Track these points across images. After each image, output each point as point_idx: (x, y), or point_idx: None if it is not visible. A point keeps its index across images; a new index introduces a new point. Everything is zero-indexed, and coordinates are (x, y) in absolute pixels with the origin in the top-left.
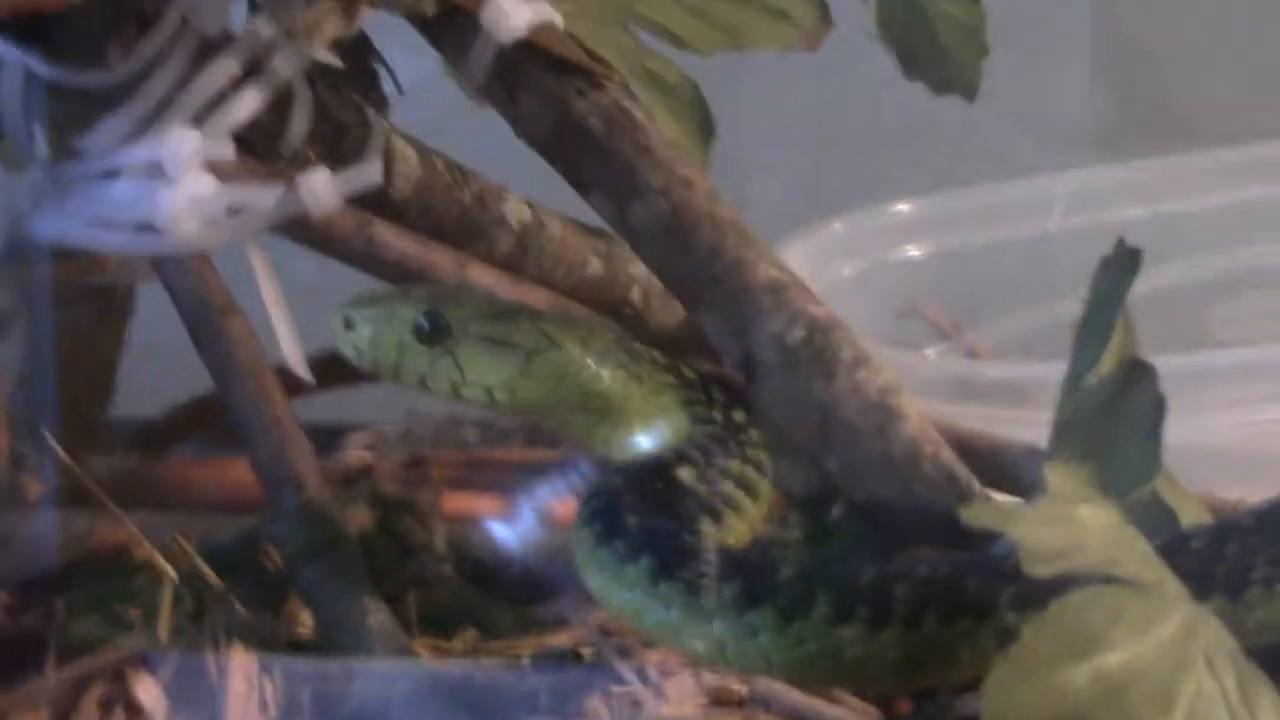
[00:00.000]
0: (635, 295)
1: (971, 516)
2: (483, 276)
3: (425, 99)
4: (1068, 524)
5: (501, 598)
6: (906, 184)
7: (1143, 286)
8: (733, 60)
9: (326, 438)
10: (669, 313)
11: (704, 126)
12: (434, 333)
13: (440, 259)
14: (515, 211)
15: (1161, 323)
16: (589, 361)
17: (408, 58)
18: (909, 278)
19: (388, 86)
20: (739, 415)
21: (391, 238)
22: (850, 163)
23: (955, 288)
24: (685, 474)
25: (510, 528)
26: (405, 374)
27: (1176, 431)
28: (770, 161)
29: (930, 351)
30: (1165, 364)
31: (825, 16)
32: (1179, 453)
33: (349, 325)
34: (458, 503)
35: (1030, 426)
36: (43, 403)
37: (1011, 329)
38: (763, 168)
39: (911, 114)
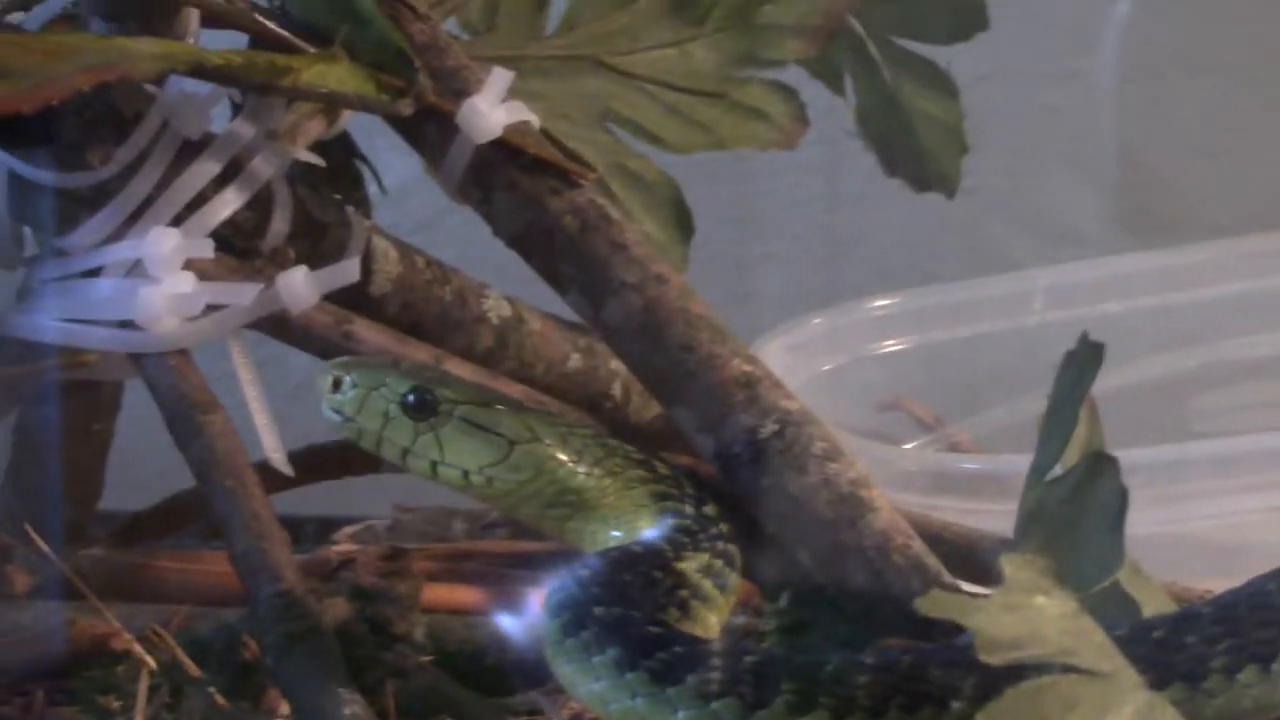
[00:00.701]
0: (616, 390)
1: (928, 606)
2: (459, 371)
3: (415, 197)
4: (1024, 614)
5: (478, 688)
6: (907, 280)
7: (1124, 379)
8: (739, 156)
9: (318, 530)
10: (648, 407)
11: (682, 223)
12: (421, 408)
13: (418, 354)
14: (495, 307)
15: (1143, 414)
16: (566, 457)
17: (398, 157)
18: (890, 372)
19: (372, 186)
20: (710, 509)
21: (370, 334)
22: (858, 257)
23: (938, 381)
24: (653, 566)
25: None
26: (385, 445)
27: (1156, 521)
28: (776, 254)
29: (912, 444)
30: (1145, 455)
31: (802, 116)
32: (1158, 542)
33: (337, 386)
34: (440, 594)
35: (1008, 519)
36: (31, 496)
37: (994, 422)
38: (768, 260)
39: (910, 211)
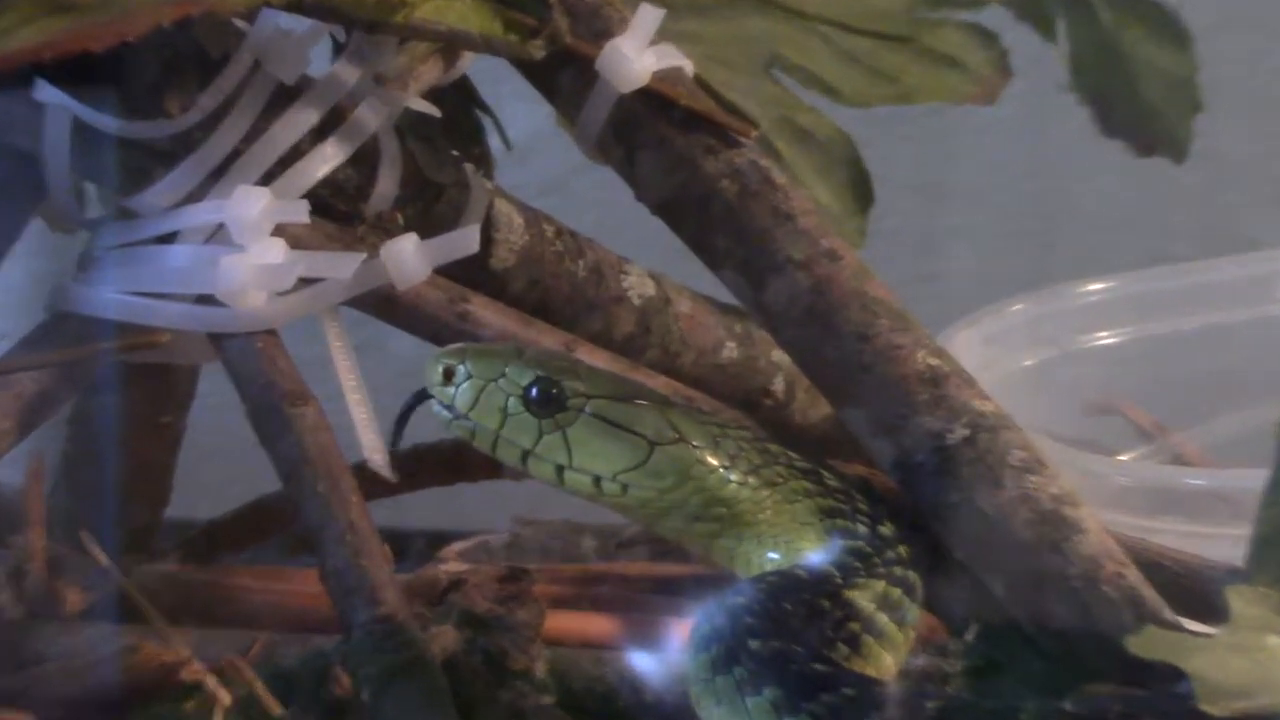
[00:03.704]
0: (777, 385)
1: (1142, 646)
2: (593, 360)
3: (546, 154)
4: (1254, 656)
5: None
6: (1126, 261)
7: None
8: (928, 111)
9: (424, 545)
10: (816, 406)
11: (859, 189)
12: (547, 403)
13: (545, 339)
14: (638, 285)
15: None
16: (716, 463)
17: (527, 107)
18: (1104, 369)
19: (494, 140)
20: (887, 528)
21: (490, 314)
22: (1068, 233)
23: (1160, 381)
24: (819, 594)
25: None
26: (503, 446)
27: None
28: (970, 228)
29: (1128, 455)
30: None
31: (1004, 65)
32: None
33: (448, 377)
34: (566, 623)
35: (1240, 545)
36: (88, 499)
37: (1226, 430)
38: (961, 235)
39: (1132, 180)
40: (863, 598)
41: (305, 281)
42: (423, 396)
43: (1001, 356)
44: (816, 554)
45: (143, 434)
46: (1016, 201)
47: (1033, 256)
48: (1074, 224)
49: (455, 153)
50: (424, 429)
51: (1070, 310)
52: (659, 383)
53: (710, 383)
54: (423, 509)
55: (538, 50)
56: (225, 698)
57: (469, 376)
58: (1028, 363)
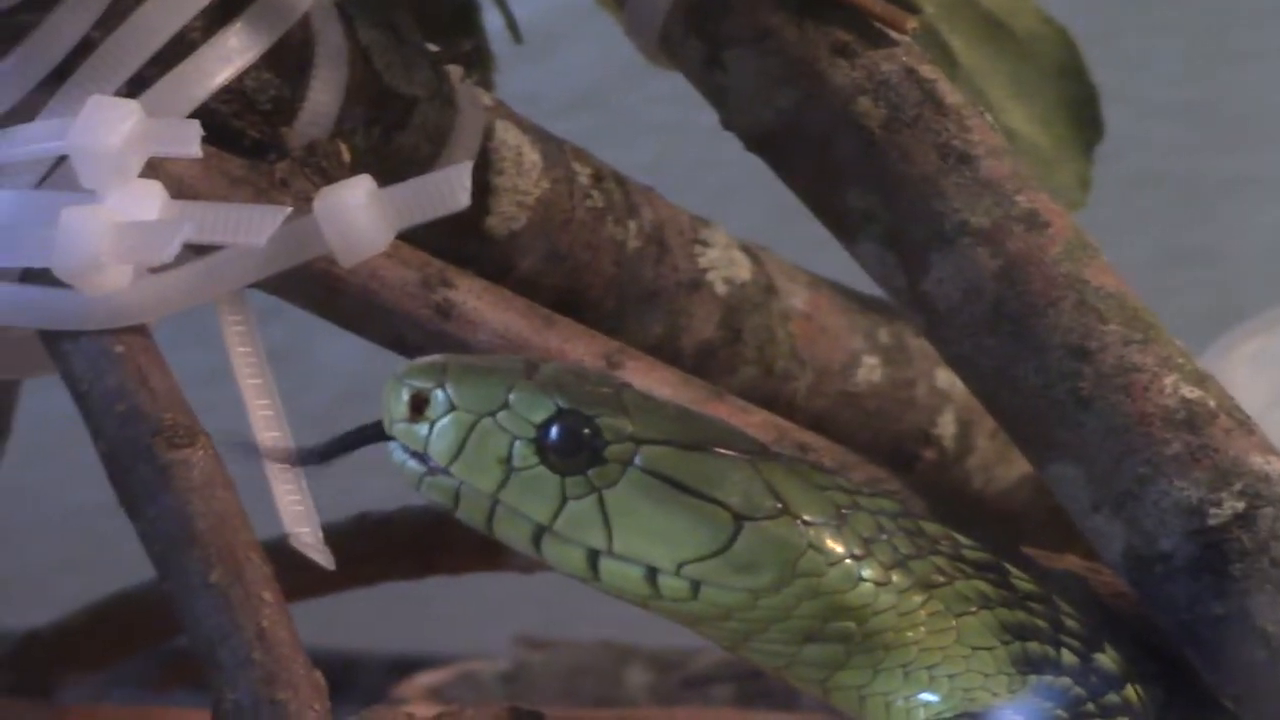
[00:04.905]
0: (944, 427)
1: None
2: (654, 381)
3: (575, 49)
4: None
5: None
6: None
7: None
8: None
9: (381, 673)
10: (1005, 461)
11: (1081, 114)
12: (575, 451)
13: (574, 348)
14: (723, 265)
15: None
16: (840, 548)
17: None
18: None
19: (495, 29)
20: (1108, 657)
21: (485, 307)
22: None
23: None
24: None
25: None
26: (505, 519)
27: None
28: (1257, 174)
29: None
30: None
31: None
32: None
33: (420, 409)
34: None
35: None
36: None
37: None
38: (1244, 186)
39: None
40: None
41: (194, 251)
42: (376, 435)
43: None
44: (997, 697)
45: None
46: None
47: None
48: None
49: (433, 48)
50: (377, 488)
51: None
52: (755, 420)
53: (838, 421)
54: (377, 617)
55: None
56: None
57: (451, 408)
58: None
